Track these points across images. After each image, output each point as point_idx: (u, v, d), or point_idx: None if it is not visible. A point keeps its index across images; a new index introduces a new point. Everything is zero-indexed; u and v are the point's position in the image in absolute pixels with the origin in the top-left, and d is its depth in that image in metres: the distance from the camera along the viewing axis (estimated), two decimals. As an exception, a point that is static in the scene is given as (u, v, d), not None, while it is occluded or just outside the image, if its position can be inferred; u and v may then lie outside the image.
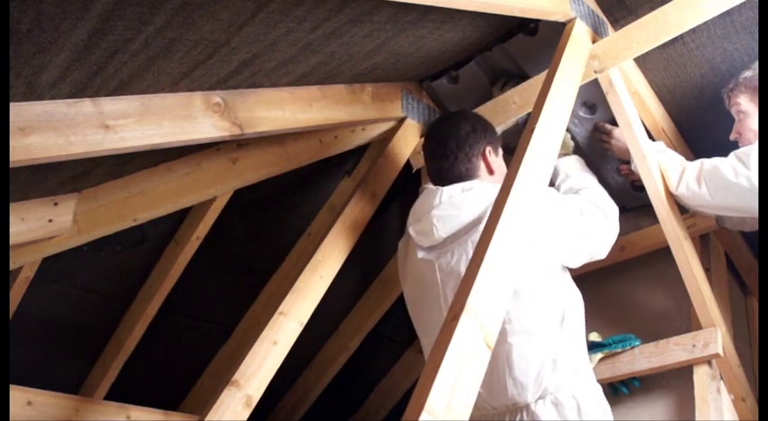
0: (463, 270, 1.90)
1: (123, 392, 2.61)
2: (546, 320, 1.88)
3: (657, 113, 2.35)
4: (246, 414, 1.81)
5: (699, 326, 2.16)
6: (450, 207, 1.98)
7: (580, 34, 2.08)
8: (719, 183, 2.03)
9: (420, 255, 2.05)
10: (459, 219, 1.96)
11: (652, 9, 2.07)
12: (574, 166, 2.24)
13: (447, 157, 2.07)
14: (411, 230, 2.08)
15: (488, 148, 2.09)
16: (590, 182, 2.18)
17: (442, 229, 1.98)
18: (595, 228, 2.01)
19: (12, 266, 2.21)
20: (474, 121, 2.12)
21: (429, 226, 1.99)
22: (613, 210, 2.08)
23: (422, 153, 2.22)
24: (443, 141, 2.09)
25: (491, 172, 2.08)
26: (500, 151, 2.15)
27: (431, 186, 2.08)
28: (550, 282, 1.94)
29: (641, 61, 2.26)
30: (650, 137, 2.26)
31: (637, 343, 2.22)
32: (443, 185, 2.03)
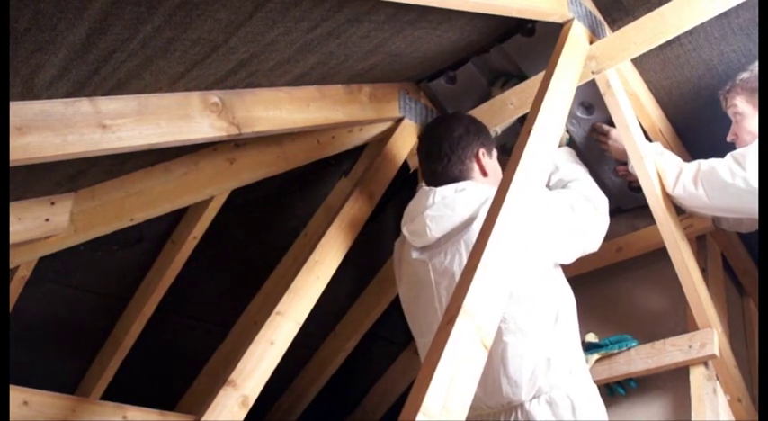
0: (456, 270, 1.91)
1: (120, 392, 2.61)
2: (540, 319, 1.88)
3: (654, 114, 2.35)
4: (243, 414, 1.81)
5: (695, 327, 2.16)
6: (444, 207, 1.98)
7: (577, 35, 2.08)
8: (716, 184, 2.04)
9: (414, 255, 2.05)
10: (452, 219, 1.96)
11: (649, 10, 2.07)
12: (564, 158, 2.25)
13: (440, 159, 2.07)
14: (405, 231, 2.09)
15: (482, 150, 2.09)
16: (580, 174, 2.19)
17: (435, 230, 1.98)
18: (587, 222, 2.02)
19: (8, 266, 2.22)
20: (467, 123, 2.13)
21: (422, 226, 2.00)
22: (603, 201, 2.09)
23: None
24: (437, 143, 2.09)
25: (485, 174, 2.08)
26: (494, 153, 2.16)
27: (425, 187, 2.09)
28: (544, 280, 1.94)
29: (638, 62, 2.27)
30: (647, 138, 2.26)
31: (633, 344, 2.22)
32: (437, 186, 2.04)
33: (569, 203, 2.02)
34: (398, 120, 2.42)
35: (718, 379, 2.12)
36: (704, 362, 2.12)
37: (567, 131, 2.39)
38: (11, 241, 2.06)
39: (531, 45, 2.27)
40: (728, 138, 2.17)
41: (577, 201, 2.04)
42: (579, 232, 2.01)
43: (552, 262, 1.98)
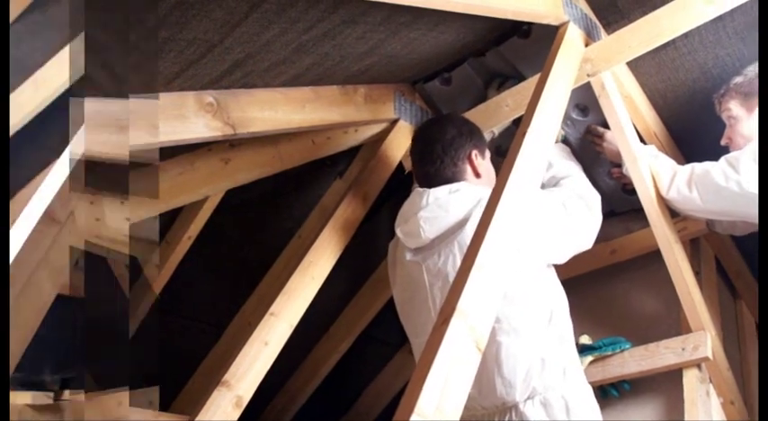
0: (450, 271, 1.92)
1: (113, 392, 2.60)
2: (534, 319, 1.89)
3: (649, 117, 2.36)
4: (237, 414, 1.81)
5: (689, 330, 2.17)
6: (437, 208, 1.98)
7: (573, 38, 2.09)
8: (710, 187, 2.04)
9: (408, 256, 2.05)
10: (445, 220, 1.97)
11: (645, 13, 2.08)
12: (558, 155, 2.25)
13: (433, 162, 2.07)
14: (399, 232, 2.09)
15: (474, 152, 2.09)
16: (573, 171, 2.20)
17: (429, 231, 1.98)
18: (579, 221, 2.03)
19: (1, 265, 2.20)
20: (460, 125, 2.13)
21: (416, 227, 2.00)
22: (596, 199, 2.10)
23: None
24: (430, 145, 2.09)
25: (477, 175, 2.08)
26: (487, 154, 2.16)
27: (418, 188, 2.09)
28: (538, 281, 1.95)
29: (634, 65, 2.27)
30: (642, 140, 2.27)
31: (627, 346, 2.23)
32: (430, 188, 2.04)
33: (561, 202, 2.02)
34: (394, 122, 2.42)
35: (711, 381, 2.12)
36: (697, 364, 2.12)
37: (563, 130, 2.39)
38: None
39: (527, 47, 2.27)
40: (723, 142, 2.18)
41: (570, 198, 2.05)
42: (572, 232, 2.02)
43: (546, 262, 1.99)
